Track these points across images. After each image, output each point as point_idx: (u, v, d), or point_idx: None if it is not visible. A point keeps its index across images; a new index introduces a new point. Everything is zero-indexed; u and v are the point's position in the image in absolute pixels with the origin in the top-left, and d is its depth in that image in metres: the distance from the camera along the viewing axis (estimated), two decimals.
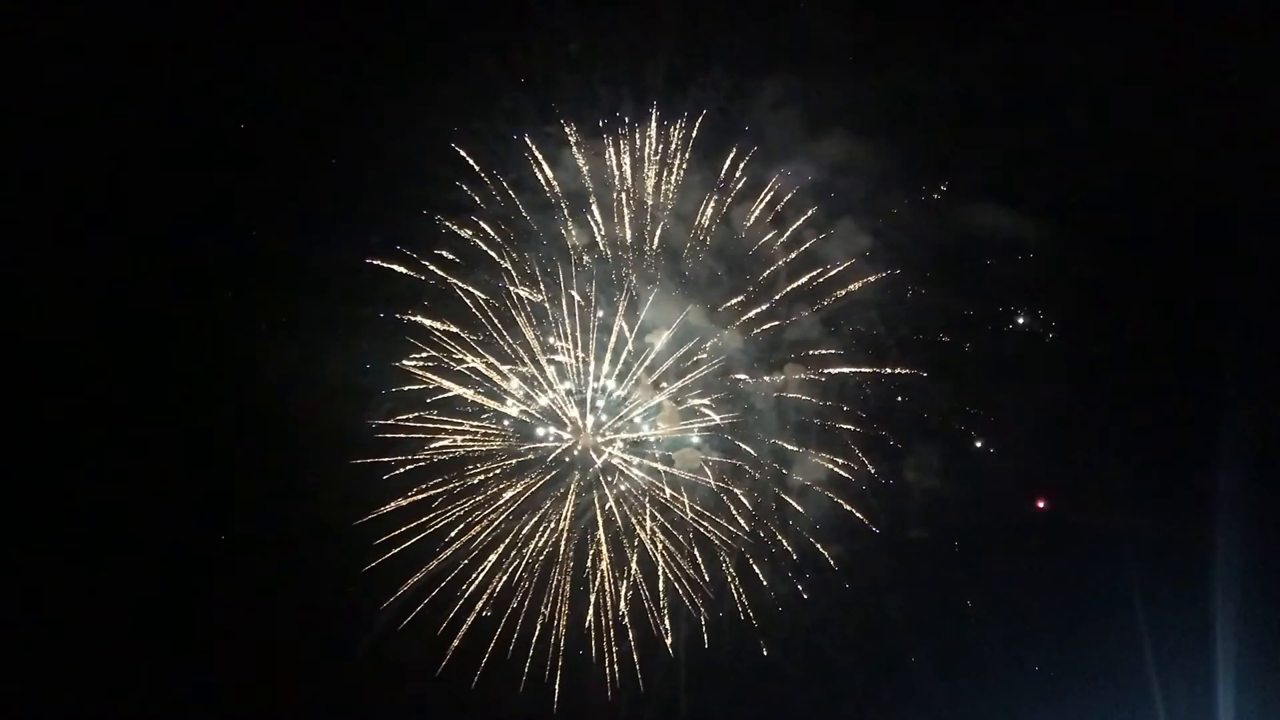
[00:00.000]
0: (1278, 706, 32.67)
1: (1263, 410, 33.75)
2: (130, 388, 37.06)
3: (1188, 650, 33.00)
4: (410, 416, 34.05)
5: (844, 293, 34.68)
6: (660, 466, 33.96)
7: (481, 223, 34.33)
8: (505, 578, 33.90)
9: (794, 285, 34.54)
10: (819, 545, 33.76)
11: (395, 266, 34.19)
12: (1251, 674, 32.32)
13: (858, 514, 33.94)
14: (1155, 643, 33.16)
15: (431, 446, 33.92)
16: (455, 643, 33.57)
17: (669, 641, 33.80)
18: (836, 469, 34.05)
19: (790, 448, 34.21)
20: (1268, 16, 34.81)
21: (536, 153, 34.64)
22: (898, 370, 34.70)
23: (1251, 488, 32.92)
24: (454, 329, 33.92)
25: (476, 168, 34.45)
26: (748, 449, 34.17)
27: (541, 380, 33.98)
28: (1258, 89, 35.48)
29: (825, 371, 34.35)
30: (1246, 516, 32.68)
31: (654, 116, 34.96)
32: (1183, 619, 33.19)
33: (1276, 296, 34.38)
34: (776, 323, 34.45)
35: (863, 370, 34.54)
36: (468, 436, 34.39)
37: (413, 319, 34.17)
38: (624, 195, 35.00)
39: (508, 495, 34.01)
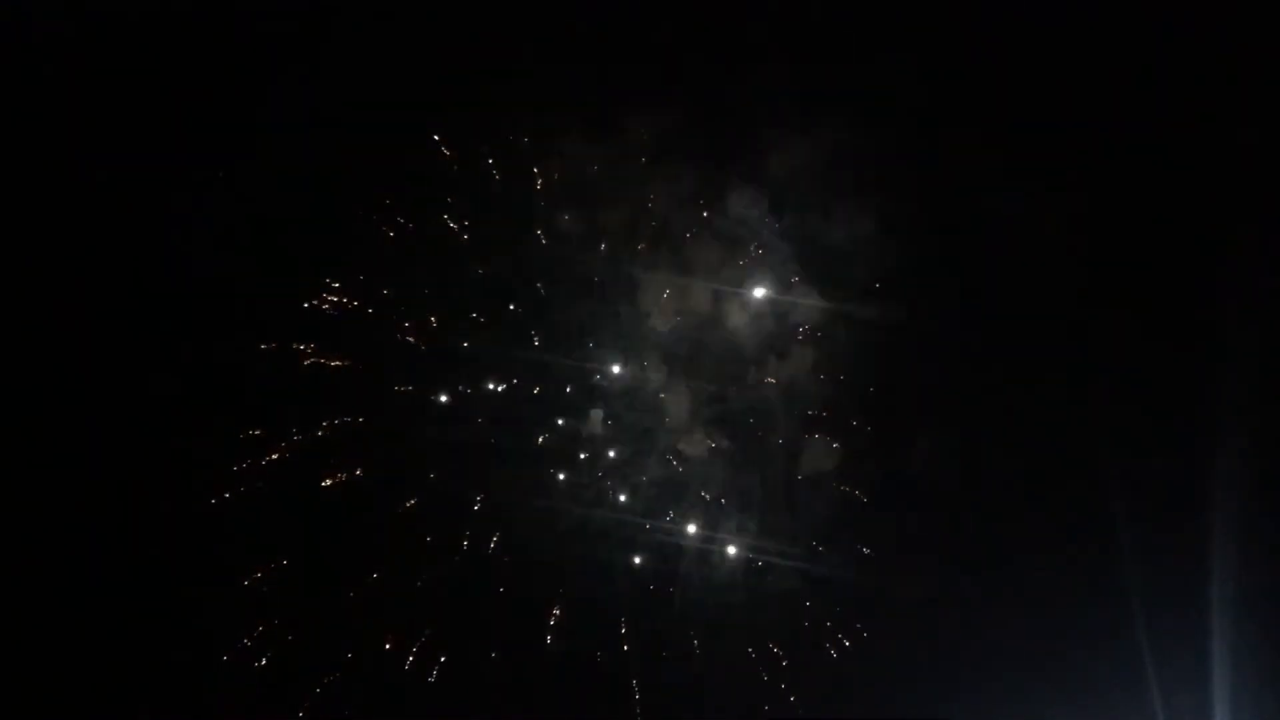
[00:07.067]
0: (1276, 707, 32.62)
1: (1264, 409, 33.68)
2: None
3: (1186, 649, 32.67)
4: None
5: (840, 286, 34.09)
6: None
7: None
8: None
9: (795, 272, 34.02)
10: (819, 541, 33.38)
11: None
12: (1250, 676, 32.23)
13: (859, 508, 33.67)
14: (1153, 643, 32.80)
15: None
16: None
17: None
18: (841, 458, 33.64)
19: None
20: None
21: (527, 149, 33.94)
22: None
23: (1253, 486, 32.74)
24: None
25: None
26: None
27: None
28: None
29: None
30: (1248, 515, 32.57)
31: (648, 103, 34.01)
32: (1182, 617, 32.83)
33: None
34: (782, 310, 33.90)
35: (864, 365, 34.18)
36: None
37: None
38: (619, 186, 34.27)
39: None
